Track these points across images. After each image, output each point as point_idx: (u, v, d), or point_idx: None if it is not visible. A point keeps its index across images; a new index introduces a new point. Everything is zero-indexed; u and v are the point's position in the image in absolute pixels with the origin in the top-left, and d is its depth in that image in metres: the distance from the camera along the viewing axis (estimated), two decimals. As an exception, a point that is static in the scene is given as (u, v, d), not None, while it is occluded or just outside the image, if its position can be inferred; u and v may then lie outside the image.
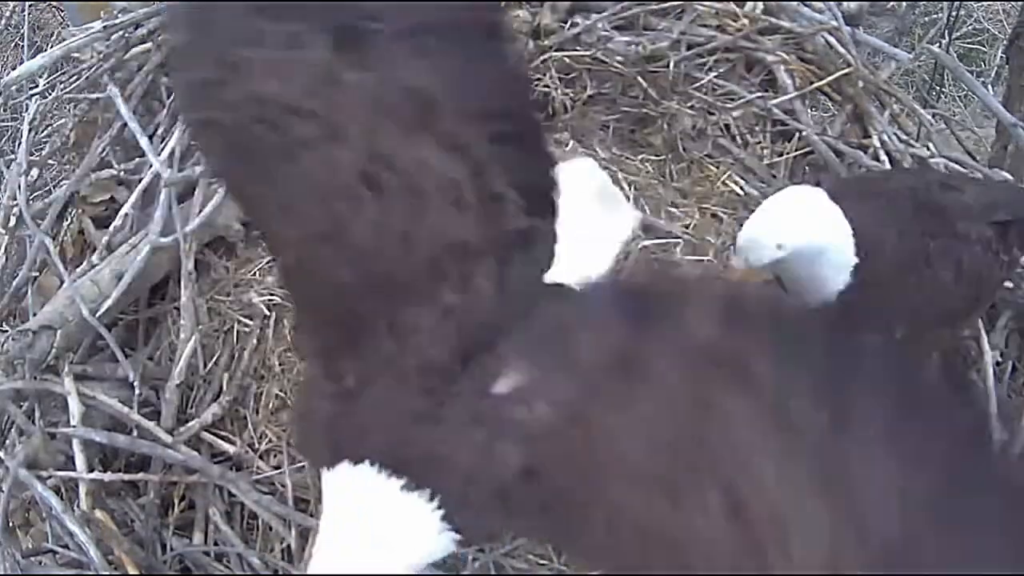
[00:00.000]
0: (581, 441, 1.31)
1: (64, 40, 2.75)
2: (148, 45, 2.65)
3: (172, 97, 2.57)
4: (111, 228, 2.42)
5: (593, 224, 1.66)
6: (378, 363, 1.42)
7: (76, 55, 2.73)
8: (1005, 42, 3.85)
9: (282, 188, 1.43)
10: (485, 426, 1.36)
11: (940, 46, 3.64)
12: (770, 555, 1.13)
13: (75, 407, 2.14)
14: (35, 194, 2.65)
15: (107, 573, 2.02)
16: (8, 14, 4.81)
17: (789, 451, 1.19)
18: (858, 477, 1.16)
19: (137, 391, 2.21)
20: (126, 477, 2.17)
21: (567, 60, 2.52)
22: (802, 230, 1.78)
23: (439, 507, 1.39)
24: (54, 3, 4.67)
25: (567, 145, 2.49)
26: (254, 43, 1.42)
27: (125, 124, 2.52)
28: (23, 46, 4.37)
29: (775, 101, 2.55)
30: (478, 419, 1.37)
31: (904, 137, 2.56)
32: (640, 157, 2.49)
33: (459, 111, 1.43)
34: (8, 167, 2.67)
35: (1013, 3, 4.83)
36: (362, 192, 1.39)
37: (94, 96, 2.65)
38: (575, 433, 1.32)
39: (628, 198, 2.12)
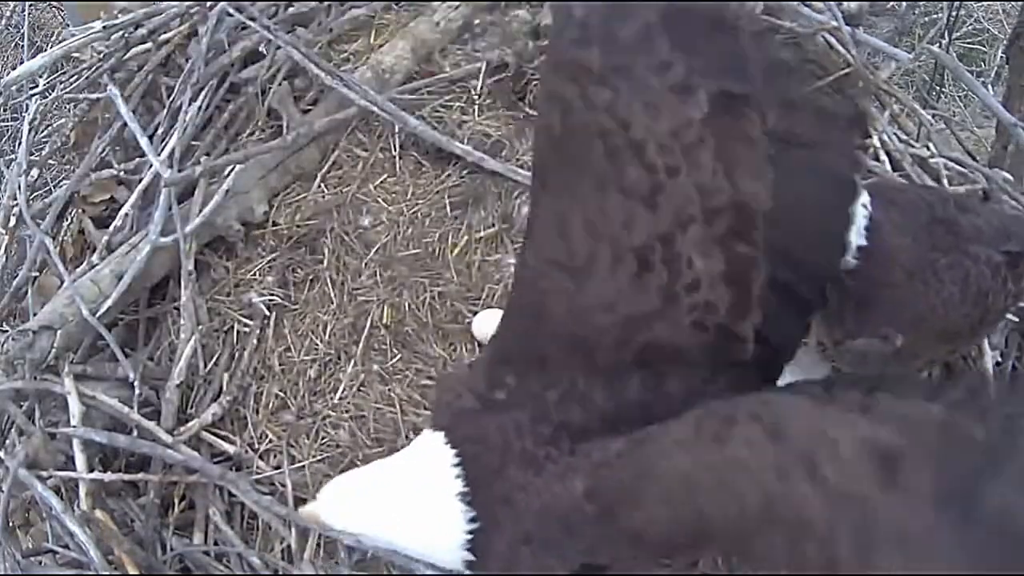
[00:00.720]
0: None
1: (64, 40, 2.75)
2: (148, 45, 2.65)
3: (172, 97, 2.58)
4: (111, 228, 2.42)
5: None
6: (531, 399, 1.46)
7: (76, 55, 2.74)
8: (1005, 42, 3.85)
9: (572, 199, 1.42)
10: (567, 476, 1.41)
11: (940, 46, 3.64)
12: None
13: (75, 407, 2.14)
14: (35, 194, 2.66)
15: (107, 573, 2.02)
16: (8, 14, 4.81)
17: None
18: None
19: (137, 391, 2.21)
20: (126, 477, 2.17)
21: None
22: None
23: (470, 532, 1.43)
24: (54, 3, 4.67)
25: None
26: (647, 60, 1.40)
27: (125, 124, 2.52)
28: (23, 46, 4.38)
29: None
30: (565, 475, 1.41)
31: (904, 137, 2.55)
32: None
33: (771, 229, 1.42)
34: (8, 167, 2.68)
35: (1013, 3, 4.83)
36: (628, 258, 1.40)
37: (94, 96, 2.65)
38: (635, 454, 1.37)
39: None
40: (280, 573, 2.09)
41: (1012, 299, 1.98)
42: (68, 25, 3.31)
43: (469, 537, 1.44)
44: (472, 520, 1.44)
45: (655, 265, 1.40)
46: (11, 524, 2.20)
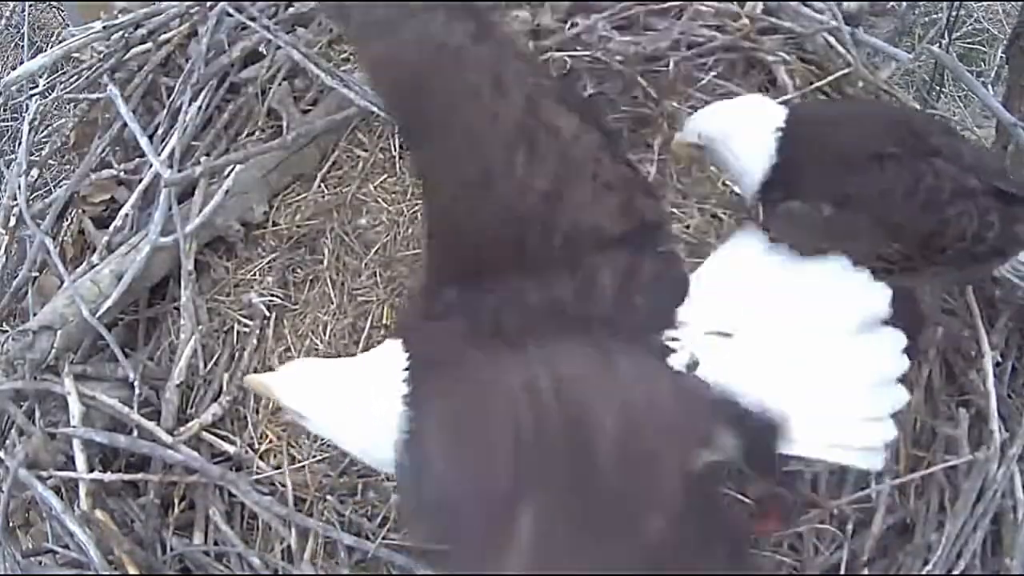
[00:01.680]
0: None
1: (64, 40, 2.75)
2: (148, 45, 2.65)
3: (172, 97, 2.58)
4: (111, 228, 2.42)
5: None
6: (471, 309, 1.52)
7: (76, 55, 2.73)
8: (1005, 42, 3.84)
9: (444, 134, 1.54)
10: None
11: (940, 46, 3.63)
12: None
13: (75, 407, 2.15)
14: (35, 194, 2.66)
15: (107, 573, 2.02)
16: (8, 14, 4.80)
17: None
18: None
19: (137, 391, 2.21)
20: (126, 477, 2.17)
21: (567, 60, 2.51)
22: (718, 128, 1.96)
23: (408, 431, 1.46)
24: (54, 3, 4.67)
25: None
26: None
27: (125, 124, 2.52)
28: (23, 46, 4.37)
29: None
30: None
31: (904, 137, 2.55)
32: (640, 157, 2.48)
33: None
34: (8, 167, 2.68)
35: (1013, 3, 4.82)
36: (518, 144, 1.51)
37: (94, 96, 2.65)
38: None
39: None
40: (280, 573, 2.09)
41: (994, 237, 1.93)
42: (68, 25, 3.31)
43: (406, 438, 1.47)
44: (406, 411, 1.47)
45: (538, 137, 1.51)
46: (11, 524, 2.20)
